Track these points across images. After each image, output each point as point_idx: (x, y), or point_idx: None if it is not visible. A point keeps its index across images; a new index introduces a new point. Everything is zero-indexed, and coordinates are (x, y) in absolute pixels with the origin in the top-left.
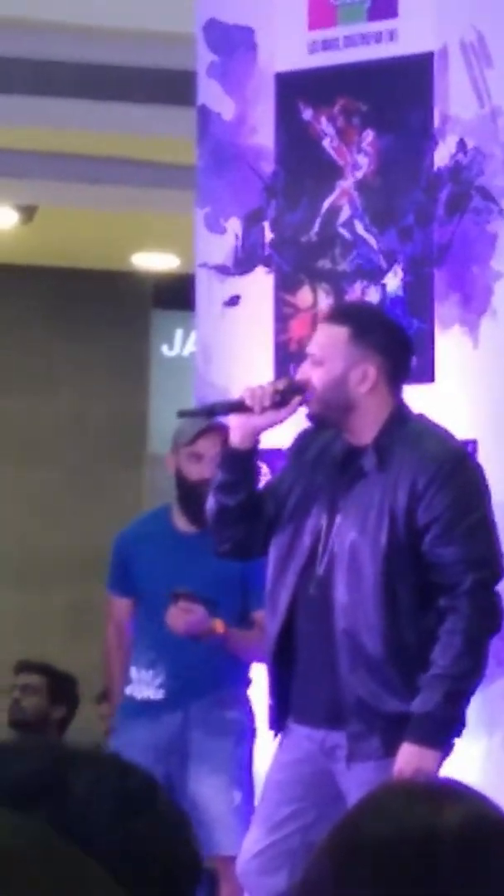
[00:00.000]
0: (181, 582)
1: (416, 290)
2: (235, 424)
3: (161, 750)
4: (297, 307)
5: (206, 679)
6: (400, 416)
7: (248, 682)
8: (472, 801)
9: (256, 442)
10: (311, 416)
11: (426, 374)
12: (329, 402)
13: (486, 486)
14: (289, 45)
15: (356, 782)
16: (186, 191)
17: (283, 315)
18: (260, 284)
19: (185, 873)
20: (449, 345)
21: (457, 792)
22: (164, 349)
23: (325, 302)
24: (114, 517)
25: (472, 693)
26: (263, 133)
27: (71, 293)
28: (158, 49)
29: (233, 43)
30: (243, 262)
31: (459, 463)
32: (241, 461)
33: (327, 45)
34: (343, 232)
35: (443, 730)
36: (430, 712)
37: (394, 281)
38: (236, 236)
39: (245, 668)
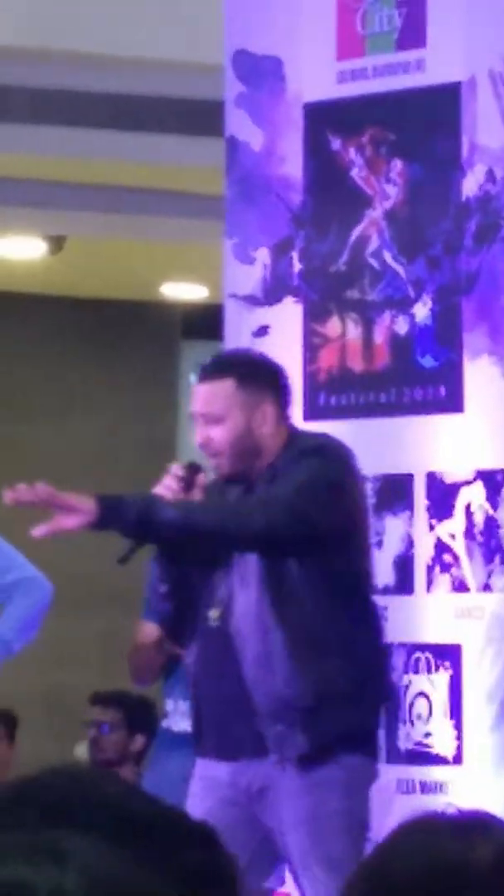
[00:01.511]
0: None
1: (444, 320)
2: None
3: None
4: (326, 337)
5: None
6: (291, 439)
7: None
8: (502, 834)
9: None
10: (224, 477)
11: (455, 405)
12: (240, 455)
13: (351, 478)
14: (317, 76)
15: (286, 792)
16: (215, 221)
17: (312, 345)
18: (289, 314)
19: None
20: (477, 374)
21: (487, 825)
22: (193, 379)
23: (354, 332)
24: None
25: (171, 531)
26: (292, 163)
27: (100, 324)
28: (187, 79)
29: (261, 73)
30: (272, 293)
31: (318, 448)
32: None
33: (356, 74)
34: (372, 261)
35: (120, 517)
36: (133, 502)
37: (422, 310)
38: (265, 266)
39: None
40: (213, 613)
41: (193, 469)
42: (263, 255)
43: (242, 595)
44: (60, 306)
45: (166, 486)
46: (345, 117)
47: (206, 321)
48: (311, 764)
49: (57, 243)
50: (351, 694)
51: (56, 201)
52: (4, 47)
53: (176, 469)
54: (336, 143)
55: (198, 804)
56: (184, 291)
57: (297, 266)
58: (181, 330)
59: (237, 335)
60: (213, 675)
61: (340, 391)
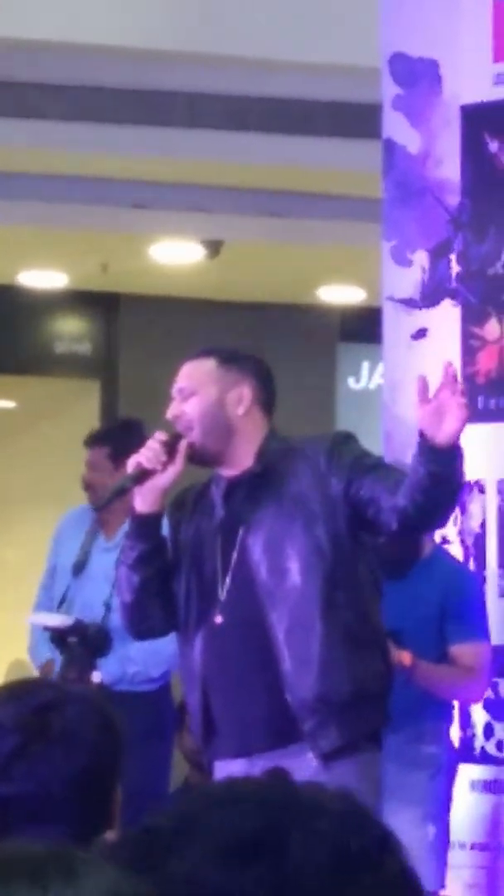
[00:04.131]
0: None
1: None
2: (142, 491)
3: None
4: (484, 339)
5: (403, 713)
6: (274, 436)
7: (448, 719)
8: None
9: (162, 504)
10: (194, 451)
11: None
12: (209, 428)
13: None
14: (474, 78)
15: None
16: (372, 224)
17: (471, 348)
18: (447, 317)
19: None
20: None
21: None
22: (351, 382)
23: None
24: None
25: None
26: (449, 165)
27: (257, 327)
28: (343, 82)
29: (418, 75)
30: (430, 295)
31: (349, 435)
32: (153, 527)
33: None
34: None
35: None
36: None
37: None
38: (423, 269)
39: (445, 704)
40: (218, 618)
41: (176, 437)
42: (421, 257)
43: (259, 587)
44: (218, 310)
45: (150, 449)
46: (502, 119)
47: (364, 324)
48: (336, 757)
49: (214, 247)
50: (381, 691)
51: (213, 205)
52: (163, 52)
53: (159, 435)
54: (493, 145)
55: None
56: (341, 294)
57: (455, 268)
58: (339, 333)
59: (395, 338)
60: (225, 673)
61: (500, 393)
